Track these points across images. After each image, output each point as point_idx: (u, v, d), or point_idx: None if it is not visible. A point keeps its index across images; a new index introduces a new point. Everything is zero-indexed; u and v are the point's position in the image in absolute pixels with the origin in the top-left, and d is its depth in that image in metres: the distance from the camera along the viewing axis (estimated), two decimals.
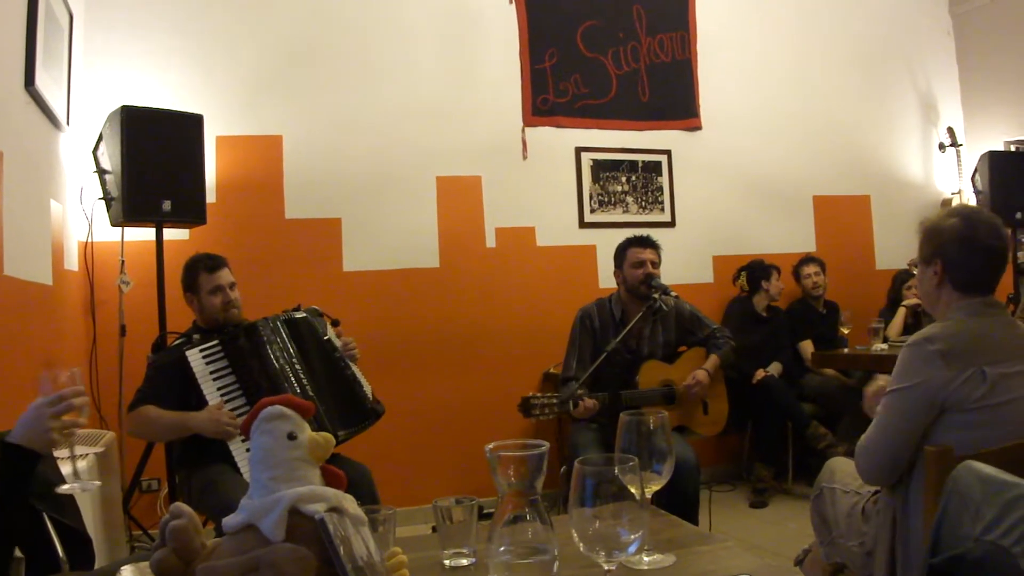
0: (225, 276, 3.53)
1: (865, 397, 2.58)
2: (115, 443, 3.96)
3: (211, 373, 3.27)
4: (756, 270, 5.85)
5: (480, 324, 5.48)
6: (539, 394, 3.65)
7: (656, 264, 4.13)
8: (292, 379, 3.34)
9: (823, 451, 5.03)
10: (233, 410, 3.21)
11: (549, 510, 1.16)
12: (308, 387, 3.35)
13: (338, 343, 3.58)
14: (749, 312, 5.79)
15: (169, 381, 3.28)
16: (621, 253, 4.21)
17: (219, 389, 3.25)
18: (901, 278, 6.08)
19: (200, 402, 3.22)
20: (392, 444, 4.84)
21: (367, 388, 3.56)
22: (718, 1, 6.28)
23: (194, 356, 3.25)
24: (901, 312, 5.89)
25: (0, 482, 1.74)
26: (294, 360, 3.39)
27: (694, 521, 3.73)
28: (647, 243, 4.17)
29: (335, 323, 3.68)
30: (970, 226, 2.29)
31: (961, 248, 2.29)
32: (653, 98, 6.05)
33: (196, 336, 3.43)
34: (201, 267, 3.51)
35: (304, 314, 3.56)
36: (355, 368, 3.57)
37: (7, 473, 1.75)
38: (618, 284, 4.26)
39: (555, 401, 3.65)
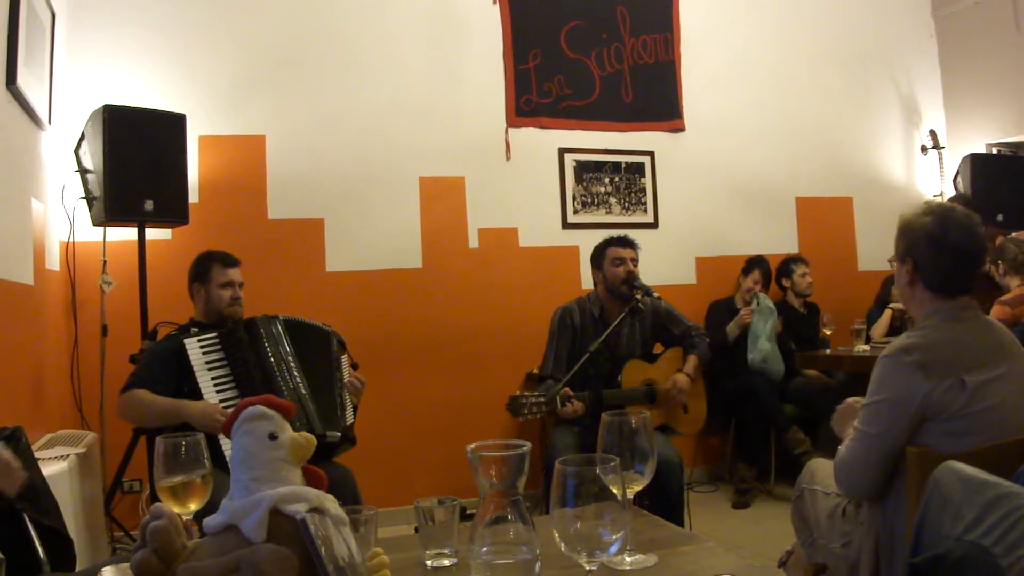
0: (237, 274, 3.60)
1: (835, 415, 2.56)
2: (97, 444, 3.94)
3: (207, 364, 3.28)
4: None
5: (463, 325, 5.47)
6: (527, 393, 3.64)
7: (635, 263, 4.13)
8: (286, 375, 3.35)
9: (799, 457, 5.02)
10: (225, 400, 3.21)
11: (532, 511, 1.16)
12: (300, 386, 3.37)
13: (345, 367, 3.60)
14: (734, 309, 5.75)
15: (165, 368, 3.30)
16: (600, 253, 4.20)
17: (213, 380, 3.27)
18: (891, 280, 6.04)
19: (193, 392, 3.22)
20: (374, 445, 4.82)
21: (349, 416, 3.55)
22: (702, 3, 6.29)
23: (192, 345, 3.28)
24: (887, 314, 5.88)
25: None
26: (290, 358, 3.42)
27: (679, 521, 3.73)
28: (626, 242, 4.17)
29: (355, 365, 3.71)
30: (942, 225, 2.24)
31: (930, 248, 2.25)
32: (636, 99, 6.06)
33: (195, 329, 3.44)
34: (216, 259, 3.58)
35: (321, 325, 3.63)
36: (348, 400, 3.57)
37: None
38: (596, 284, 4.25)
39: (543, 400, 3.64)
